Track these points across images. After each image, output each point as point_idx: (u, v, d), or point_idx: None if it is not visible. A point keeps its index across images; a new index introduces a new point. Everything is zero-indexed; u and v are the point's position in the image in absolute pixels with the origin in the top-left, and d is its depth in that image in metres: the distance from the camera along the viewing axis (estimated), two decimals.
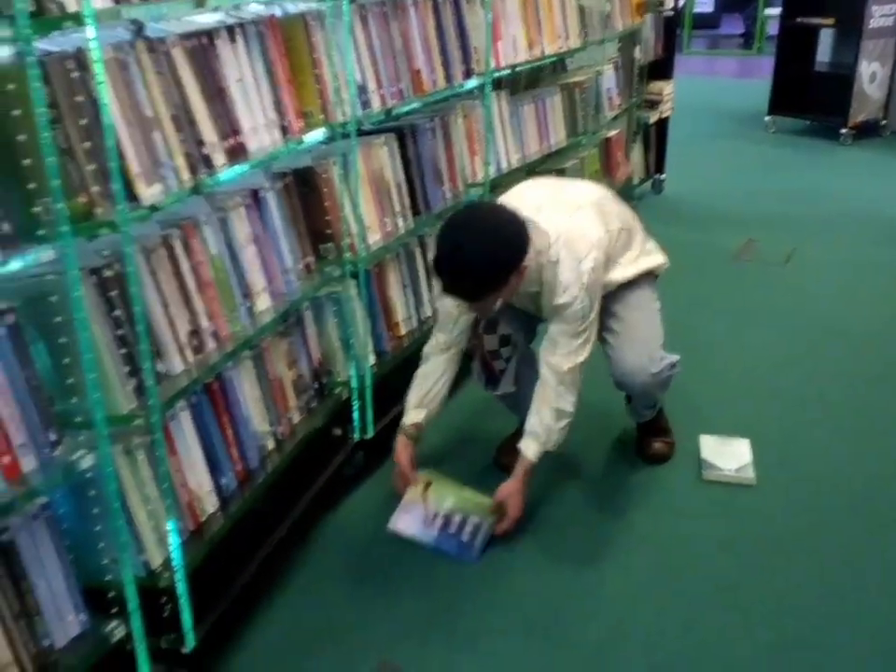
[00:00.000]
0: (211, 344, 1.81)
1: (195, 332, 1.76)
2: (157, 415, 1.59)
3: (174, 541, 1.66)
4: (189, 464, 1.77)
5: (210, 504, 1.83)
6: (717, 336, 3.25)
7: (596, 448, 2.57)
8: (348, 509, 2.32)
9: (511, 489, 2.14)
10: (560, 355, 2.07)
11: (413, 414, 2.24)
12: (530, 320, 2.32)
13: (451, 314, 2.19)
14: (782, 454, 2.52)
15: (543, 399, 2.11)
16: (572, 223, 2.05)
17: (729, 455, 2.47)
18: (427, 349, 2.27)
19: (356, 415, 2.40)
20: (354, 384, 2.37)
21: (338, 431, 2.36)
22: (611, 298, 2.20)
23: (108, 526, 1.54)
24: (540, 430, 2.11)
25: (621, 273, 2.21)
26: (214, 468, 1.84)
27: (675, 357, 2.28)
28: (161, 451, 1.62)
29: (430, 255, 2.70)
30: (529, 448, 2.13)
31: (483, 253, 1.85)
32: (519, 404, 2.33)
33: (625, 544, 2.16)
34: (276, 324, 2.04)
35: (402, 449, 2.23)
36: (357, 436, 2.42)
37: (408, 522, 2.17)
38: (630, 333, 2.22)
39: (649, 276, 2.31)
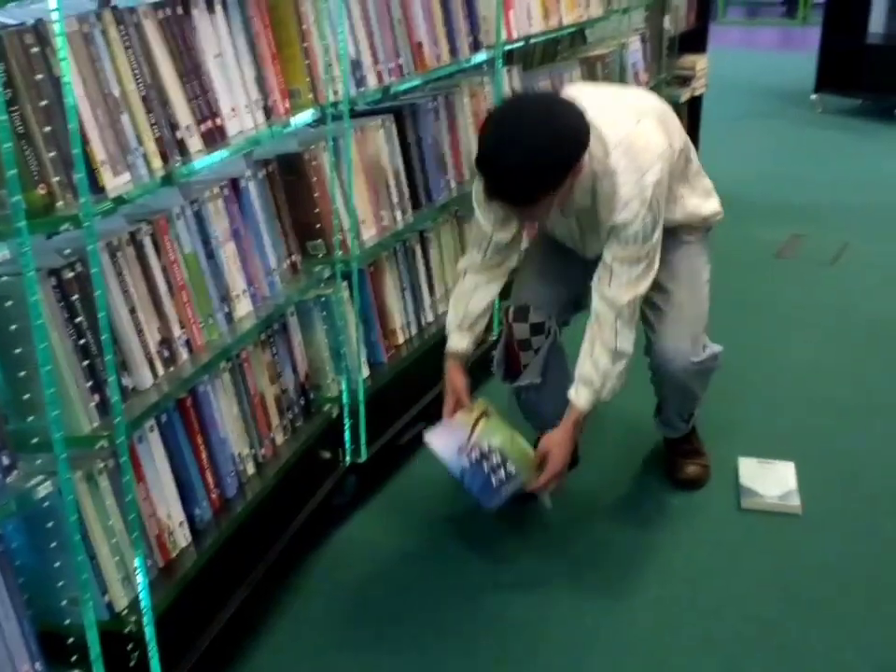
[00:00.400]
0: (184, 355, 1.82)
1: (166, 341, 1.77)
2: (123, 436, 1.59)
3: (141, 580, 1.66)
4: (159, 492, 1.77)
5: (182, 537, 1.83)
6: (756, 343, 3.26)
7: (624, 469, 2.58)
8: (339, 542, 2.32)
9: (556, 439, 2.12)
10: (618, 285, 2.03)
11: (456, 339, 2.25)
12: (565, 302, 2.31)
13: (484, 232, 2.18)
14: (831, 477, 2.53)
15: (598, 338, 2.07)
16: (635, 130, 2.00)
17: (771, 480, 2.47)
18: (461, 264, 2.28)
19: (347, 436, 2.41)
20: (345, 399, 2.38)
21: (327, 454, 2.36)
22: (659, 262, 2.13)
23: (68, 563, 1.54)
24: (595, 376, 2.07)
25: (671, 210, 2.15)
26: (186, 496, 1.84)
27: (717, 348, 2.29)
28: (127, 476, 1.62)
29: (432, 252, 2.72)
30: (581, 396, 2.10)
31: (540, 145, 1.79)
32: (541, 401, 2.33)
33: (658, 579, 2.17)
34: (258, 332, 2.04)
35: (455, 373, 2.24)
36: (348, 459, 2.43)
37: (445, 442, 2.16)
38: (676, 313, 2.23)
39: (702, 231, 2.30)
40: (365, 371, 2.44)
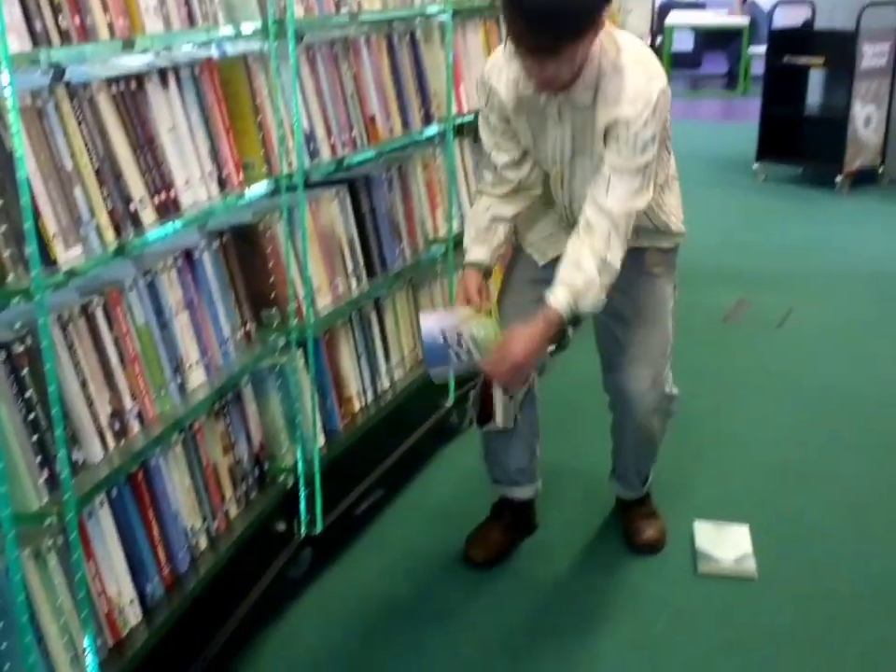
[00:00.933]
0: (135, 428, 1.80)
1: (117, 414, 1.75)
2: (72, 512, 1.56)
3: (90, 660, 1.62)
4: (109, 568, 1.73)
5: (132, 615, 1.79)
6: (706, 408, 3.29)
7: (581, 534, 2.57)
8: (294, 617, 2.28)
9: (521, 331, 2.01)
10: (615, 196, 1.96)
11: (474, 251, 2.23)
12: None
13: (488, 154, 2.19)
14: (785, 539, 2.55)
15: (587, 246, 1.96)
16: (645, 49, 2.02)
17: (726, 544, 2.49)
18: (477, 186, 2.28)
19: (302, 507, 2.38)
20: (300, 469, 2.35)
21: (281, 526, 2.33)
22: (622, 290, 2.09)
23: (14, 644, 1.49)
24: (580, 281, 1.95)
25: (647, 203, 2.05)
26: (137, 572, 1.81)
27: (675, 391, 2.33)
28: (76, 554, 1.58)
29: (387, 319, 2.73)
30: (559, 296, 1.97)
31: None
32: (508, 447, 2.34)
33: (618, 647, 2.15)
34: (211, 402, 2.03)
35: (470, 278, 2.21)
36: (303, 531, 2.39)
37: (435, 322, 2.15)
38: (638, 351, 2.24)
39: (667, 259, 2.27)
40: (320, 440, 2.42)
